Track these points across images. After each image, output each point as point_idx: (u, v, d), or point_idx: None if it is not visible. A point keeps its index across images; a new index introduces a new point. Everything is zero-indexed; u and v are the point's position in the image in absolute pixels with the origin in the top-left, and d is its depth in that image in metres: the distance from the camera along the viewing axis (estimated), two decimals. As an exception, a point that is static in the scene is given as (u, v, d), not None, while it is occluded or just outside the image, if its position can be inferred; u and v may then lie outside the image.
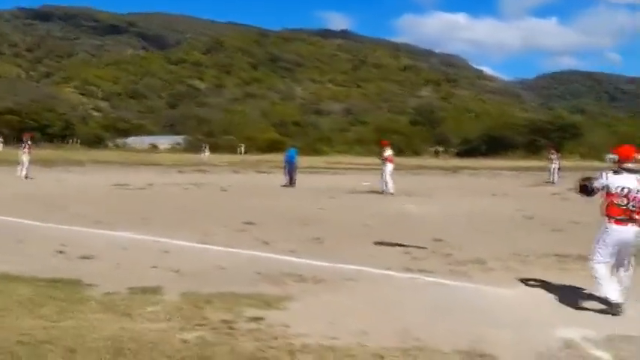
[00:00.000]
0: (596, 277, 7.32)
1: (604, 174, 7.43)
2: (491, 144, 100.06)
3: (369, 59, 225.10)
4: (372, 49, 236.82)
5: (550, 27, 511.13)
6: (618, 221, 7.20)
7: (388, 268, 9.48)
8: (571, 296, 7.84)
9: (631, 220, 7.16)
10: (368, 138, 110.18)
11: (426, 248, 11.47)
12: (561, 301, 7.65)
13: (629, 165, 7.32)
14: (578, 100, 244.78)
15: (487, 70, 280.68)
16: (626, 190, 7.18)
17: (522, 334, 6.22)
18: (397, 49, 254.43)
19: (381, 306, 7.25)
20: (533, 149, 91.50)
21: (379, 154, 26.43)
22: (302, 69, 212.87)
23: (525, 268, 9.90)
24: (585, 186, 7.63)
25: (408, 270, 9.44)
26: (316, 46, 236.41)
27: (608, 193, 7.31)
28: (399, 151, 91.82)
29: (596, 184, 7.47)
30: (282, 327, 6.22)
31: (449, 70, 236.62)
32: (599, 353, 5.67)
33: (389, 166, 25.01)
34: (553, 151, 36.93)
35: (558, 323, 6.59)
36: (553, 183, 33.86)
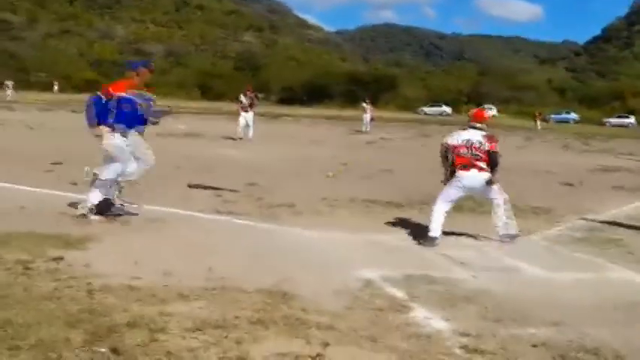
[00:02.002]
0: (432, 210, 8.39)
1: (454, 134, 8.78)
2: (311, 93, 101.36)
3: (193, 1, 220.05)
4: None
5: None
6: (463, 167, 8.34)
7: (198, 210, 9.42)
8: (375, 239, 8.17)
9: (474, 166, 8.30)
10: (189, 81, 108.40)
11: (238, 191, 11.50)
12: (365, 243, 7.94)
13: (476, 124, 8.61)
14: (395, 53, 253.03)
15: (310, 19, 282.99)
16: (470, 142, 8.38)
17: (324, 274, 6.39)
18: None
19: (188, 247, 7.19)
20: (351, 99, 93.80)
21: (244, 100, 26.03)
22: (122, 7, 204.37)
23: (334, 211, 10.20)
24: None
25: (219, 212, 9.44)
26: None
27: (455, 147, 8.47)
28: (219, 96, 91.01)
29: (441, 149, 8.77)
30: (83, 267, 6.00)
31: (273, 17, 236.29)
32: (393, 291, 5.94)
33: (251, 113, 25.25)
34: (367, 102, 38.13)
35: (360, 264, 6.81)
36: (366, 132, 35.07)
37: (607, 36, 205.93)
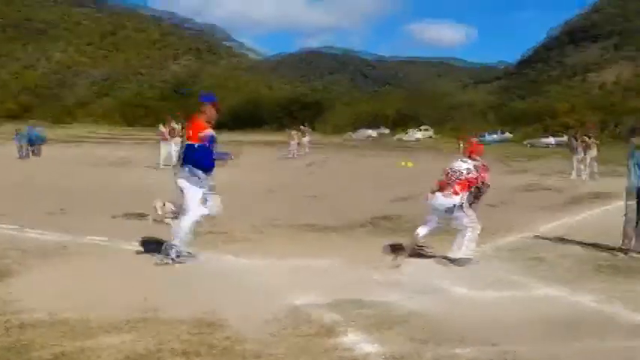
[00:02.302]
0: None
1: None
2: (243, 118, 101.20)
3: (120, 28, 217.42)
4: (125, 18, 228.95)
5: (304, 5, 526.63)
6: (435, 190, 8.98)
7: (124, 240, 9.27)
8: (305, 264, 8.19)
9: (441, 190, 8.85)
10: (116, 110, 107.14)
11: (167, 219, 11.37)
12: (295, 269, 7.95)
13: (467, 159, 9.16)
14: (327, 78, 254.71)
15: (246, 42, 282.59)
16: (453, 170, 8.99)
17: (253, 301, 6.37)
18: (153, 18, 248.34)
19: (113, 278, 7.08)
20: (283, 124, 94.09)
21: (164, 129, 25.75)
22: (47, 36, 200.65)
23: (263, 238, 10.20)
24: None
25: (146, 241, 9.27)
26: (66, 13, 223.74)
27: (443, 170, 9.16)
28: (146, 125, 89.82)
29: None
30: (1, 303, 5.87)
31: (207, 42, 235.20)
32: (323, 316, 5.94)
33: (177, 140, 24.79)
34: (302, 126, 38.46)
35: (290, 290, 6.81)
36: (297, 157, 35.26)
37: (531, 58, 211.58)
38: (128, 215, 11.68)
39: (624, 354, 5.22)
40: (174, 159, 24.13)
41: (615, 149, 29.15)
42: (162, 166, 24.06)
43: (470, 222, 8.74)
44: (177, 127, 25.25)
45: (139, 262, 8.03)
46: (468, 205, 8.86)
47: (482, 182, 8.98)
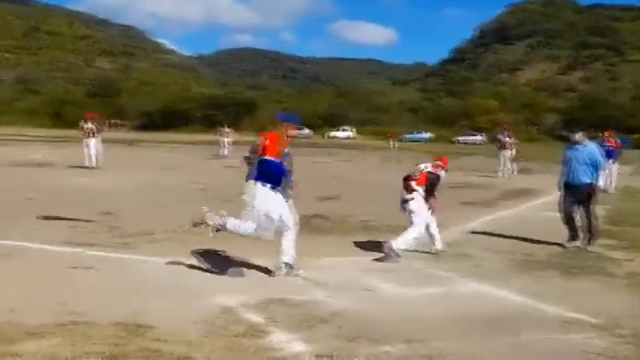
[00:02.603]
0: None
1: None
2: (169, 118, 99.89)
3: (43, 26, 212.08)
4: (46, 16, 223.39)
5: (230, 4, 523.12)
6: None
7: (49, 243, 9.06)
8: (233, 265, 8.13)
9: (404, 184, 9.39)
10: (41, 109, 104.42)
11: (93, 221, 11.17)
12: (223, 270, 7.88)
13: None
14: (254, 77, 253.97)
15: (167, 43, 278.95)
16: (418, 168, 9.58)
17: (181, 303, 6.31)
18: (73, 17, 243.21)
19: (37, 282, 6.89)
20: (209, 123, 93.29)
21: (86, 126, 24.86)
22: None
23: (192, 238, 10.07)
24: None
25: (71, 244, 9.10)
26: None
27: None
28: (72, 124, 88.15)
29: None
30: None
31: (127, 42, 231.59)
32: (251, 316, 5.94)
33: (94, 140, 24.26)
34: (226, 126, 38.19)
35: (218, 291, 6.76)
36: (225, 156, 35.07)
37: (456, 58, 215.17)
38: (54, 218, 11.39)
39: (549, 349, 5.35)
40: (94, 158, 23.54)
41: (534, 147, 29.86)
42: (92, 166, 23.62)
43: (417, 221, 9.05)
44: (92, 126, 24.73)
45: (62, 265, 7.83)
46: (423, 201, 9.24)
47: (430, 172, 9.44)
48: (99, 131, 24.74)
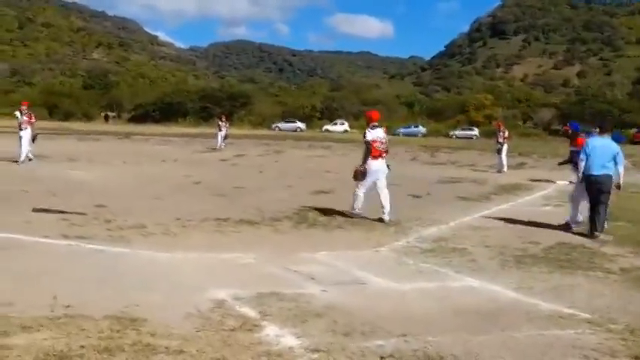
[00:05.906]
0: (355, 195, 11.70)
1: (367, 132, 11.72)
2: (164, 110, 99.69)
3: (38, 18, 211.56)
4: (41, 8, 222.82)
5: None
6: (376, 157, 11.54)
7: (43, 236, 9.03)
8: (227, 258, 8.14)
9: (381, 156, 11.65)
10: (36, 100, 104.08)
11: (86, 214, 11.13)
12: (217, 263, 7.89)
13: (376, 123, 11.81)
14: (249, 70, 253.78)
15: (162, 35, 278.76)
16: (380, 138, 11.68)
17: (175, 296, 6.30)
18: (68, 9, 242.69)
19: (32, 275, 6.87)
20: (204, 116, 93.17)
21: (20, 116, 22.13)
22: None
23: (185, 232, 10.08)
24: (360, 172, 11.69)
25: (65, 237, 9.08)
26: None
27: (373, 141, 11.59)
28: (68, 115, 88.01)
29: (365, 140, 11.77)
30: None
31: (122, 34, 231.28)
32: (245, 310, 5.94)
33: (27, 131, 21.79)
34: (223, 119, 37.93)
35: (211, 285, 6.76)
36: (219, 149, 34.81)
37: (451, 52, 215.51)
38: (48, 210, 11.35)
39: (541, 344, 5.36)
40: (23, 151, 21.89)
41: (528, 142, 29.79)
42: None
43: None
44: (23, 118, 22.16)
45: (58, 259, 7.82)
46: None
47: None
48: (27, 123, 22.25)
